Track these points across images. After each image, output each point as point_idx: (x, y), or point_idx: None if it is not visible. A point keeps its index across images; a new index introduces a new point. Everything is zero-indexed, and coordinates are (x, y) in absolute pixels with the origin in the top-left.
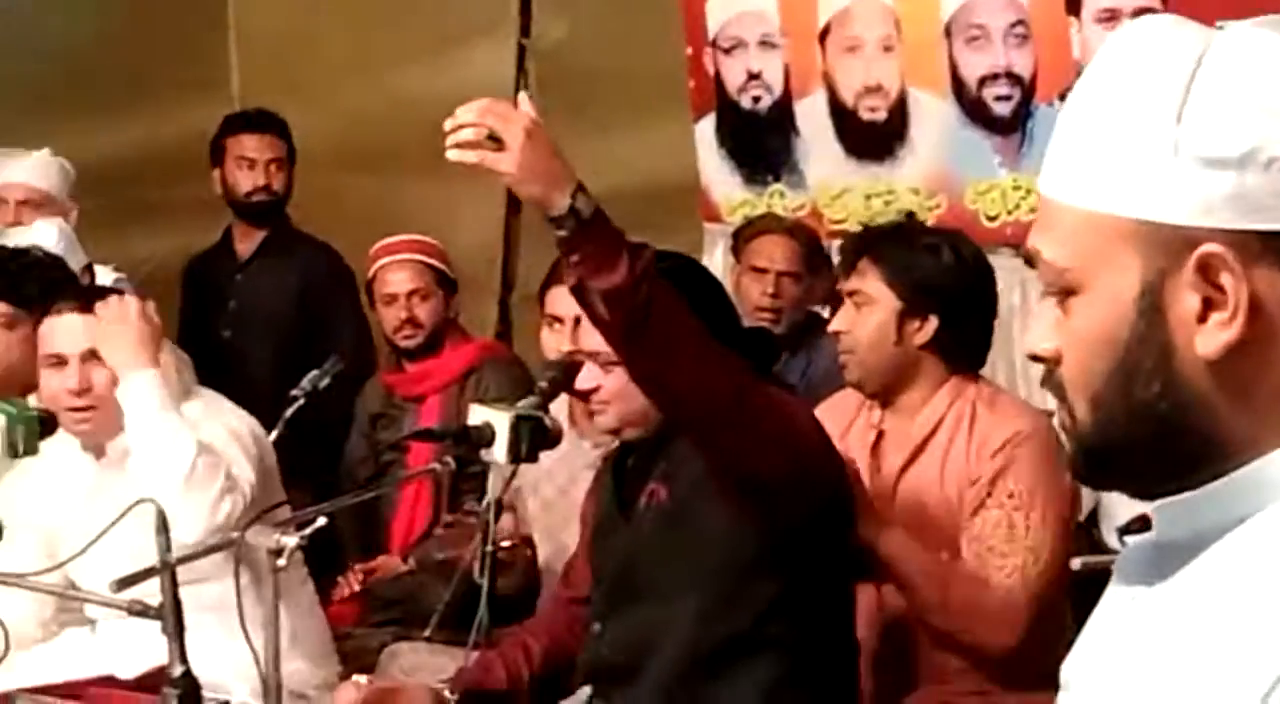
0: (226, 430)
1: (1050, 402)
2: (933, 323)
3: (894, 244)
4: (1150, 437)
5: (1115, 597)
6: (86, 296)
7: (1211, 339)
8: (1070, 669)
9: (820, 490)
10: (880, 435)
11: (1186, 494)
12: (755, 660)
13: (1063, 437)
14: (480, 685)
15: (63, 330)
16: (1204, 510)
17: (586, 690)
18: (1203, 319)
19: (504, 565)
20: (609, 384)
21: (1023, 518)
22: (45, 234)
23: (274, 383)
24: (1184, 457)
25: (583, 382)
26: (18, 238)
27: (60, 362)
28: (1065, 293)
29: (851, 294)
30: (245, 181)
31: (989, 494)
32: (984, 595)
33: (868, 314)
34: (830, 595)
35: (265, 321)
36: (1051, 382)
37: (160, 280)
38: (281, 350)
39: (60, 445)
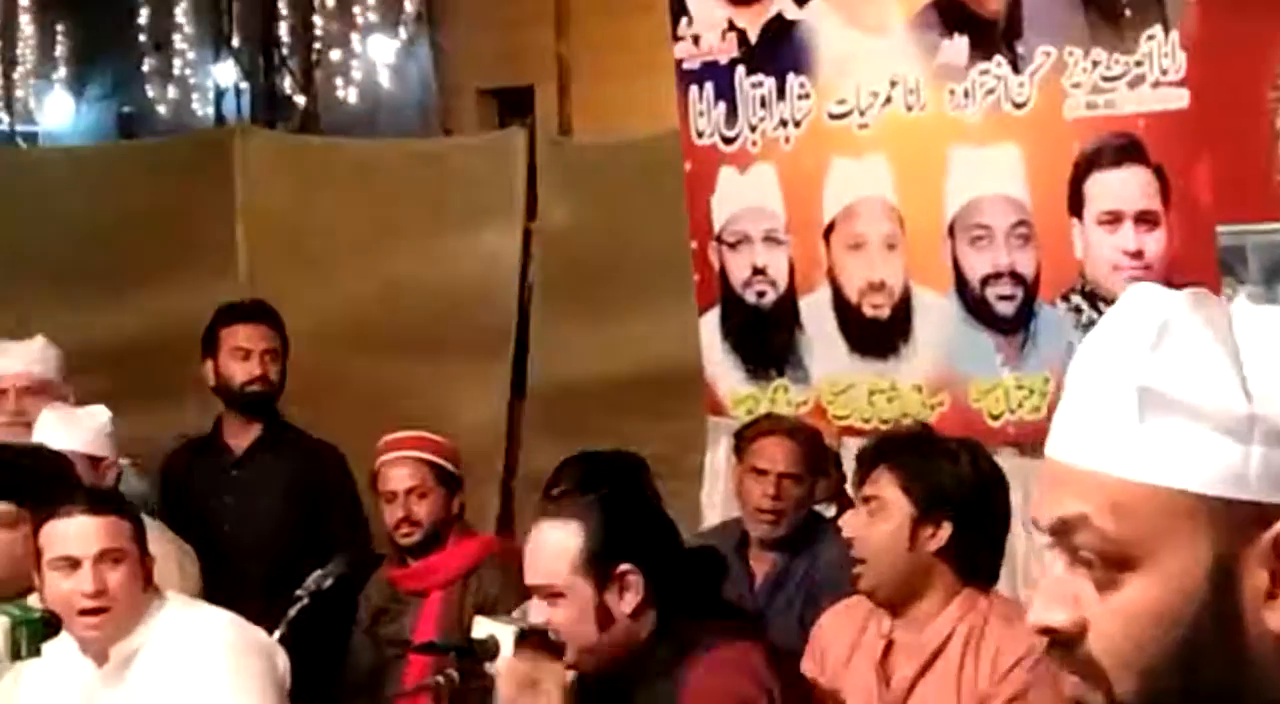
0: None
1: None
2: (946, 530)
3: (911, 450)
4: None
5: None
6: (95, 499)
7: None
8: None
9: None
10: (890, 645)
11: None
12: None
13: None
14: None
15: (74, 533)
16: None
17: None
18: (1272, 595)
19: None
20: (556, 618)
21: None
22: (97, 416)
23: (269, 580)
24: None
25: (534, 616)
26: (58, 422)
27: (73, 564)
28: (1112, 565)
29: (866, 500)
30: (240, 373)
31: None
32: None
33: (881, 520)
34: None
35: (262, 518)
36: (1068, 655)
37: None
38: (278, 548)
39: (60, 648)
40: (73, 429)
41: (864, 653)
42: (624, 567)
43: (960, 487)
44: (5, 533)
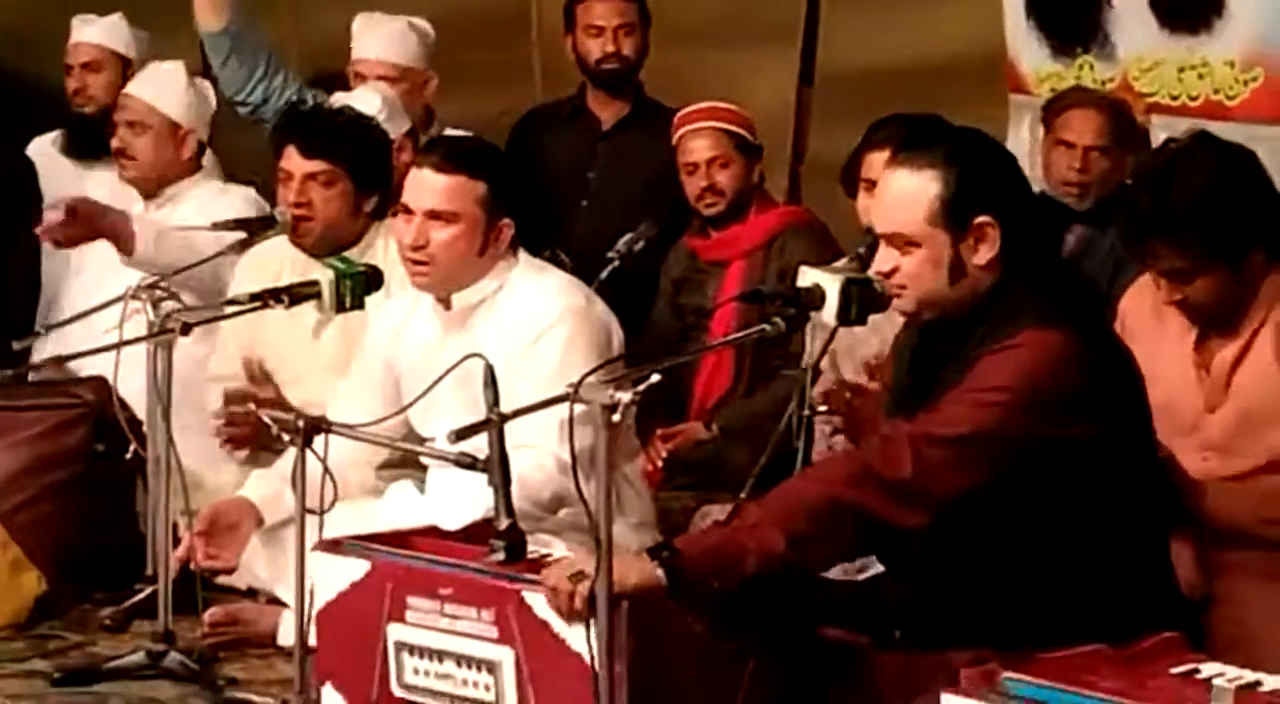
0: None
1: None
2: None
3: None
4: None
5: None
6: (449, 156)
7: None
8: None
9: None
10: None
11: None
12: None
13: None
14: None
15: (415, 184)
16: None
17: None
18: None
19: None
20: (906, 266)
21: None
22: (368, 101)
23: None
24: None
25: (879, 264)
26: (341, 101)
27: (409, 211)
28: None
29: None
30: (595, 49)
31: None
32: None
33: None
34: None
35: (623, 195)
36: None
37: None
38: (637, 220)
39: (417, 293)
40: None
41: (1174, 331)
42: (982, 218)
43: None
44: (324, 190)
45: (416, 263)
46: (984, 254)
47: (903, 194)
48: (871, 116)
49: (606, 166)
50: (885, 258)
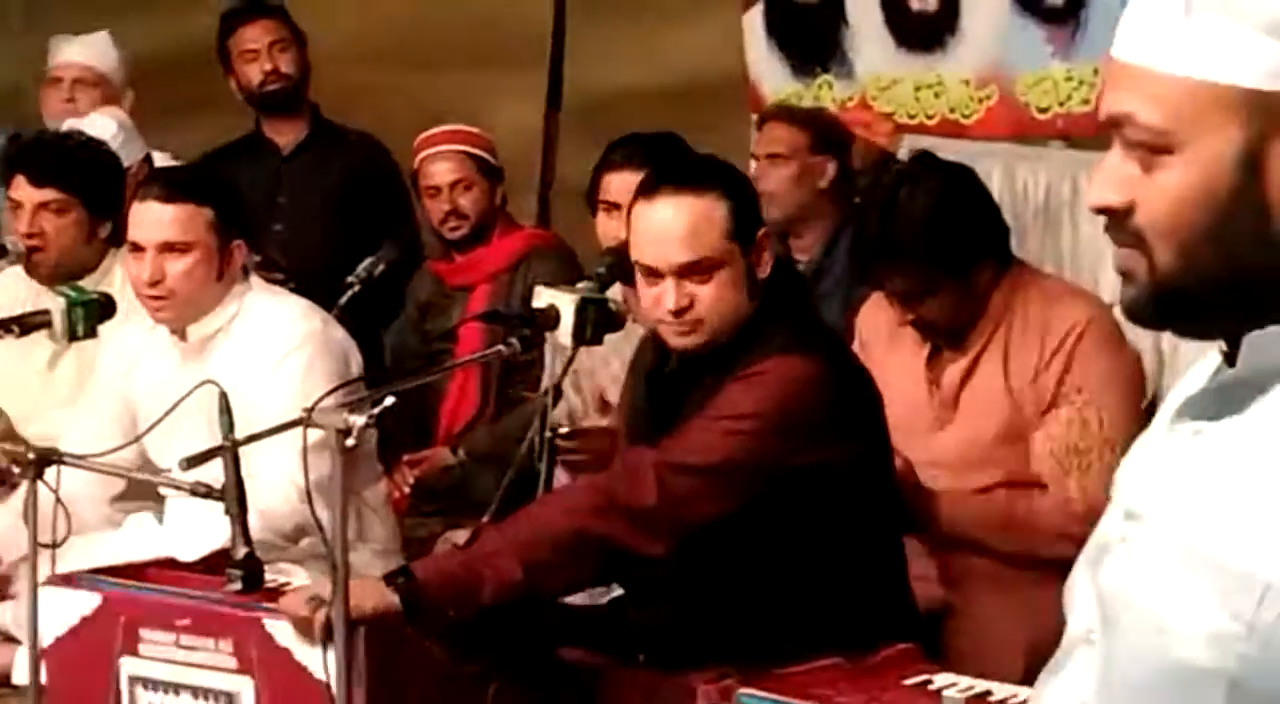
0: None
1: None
2: None
3: None
4: (1235, 283)
5: (1174, 431)
6: (171, 186)
7: None
8: (1135, 499)
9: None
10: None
11: (1272, 327)
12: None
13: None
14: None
15: (142, 219)
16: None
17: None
18: None
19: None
20: (706, 295)
21: (1092, 414)
22: (103, 125)
23: (328, 274)
24: (1263, 301)
25: (671, 303)
26: (76, 127)
27: (138, 249)
28: (1156, 151)
29: None
30: (254, 73)
31: (1058, 391)
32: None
33: None
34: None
35: (317, 214)
36: (1120, 229)
37: None
38: (334, 243)
39: (149, 324)
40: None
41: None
42: (763, 229)
43: None
44: (56, 219)
45: (155, 298)
46: (766, 265)
47: (694, 218)
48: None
49: (293, 189)
50: (679, 295)
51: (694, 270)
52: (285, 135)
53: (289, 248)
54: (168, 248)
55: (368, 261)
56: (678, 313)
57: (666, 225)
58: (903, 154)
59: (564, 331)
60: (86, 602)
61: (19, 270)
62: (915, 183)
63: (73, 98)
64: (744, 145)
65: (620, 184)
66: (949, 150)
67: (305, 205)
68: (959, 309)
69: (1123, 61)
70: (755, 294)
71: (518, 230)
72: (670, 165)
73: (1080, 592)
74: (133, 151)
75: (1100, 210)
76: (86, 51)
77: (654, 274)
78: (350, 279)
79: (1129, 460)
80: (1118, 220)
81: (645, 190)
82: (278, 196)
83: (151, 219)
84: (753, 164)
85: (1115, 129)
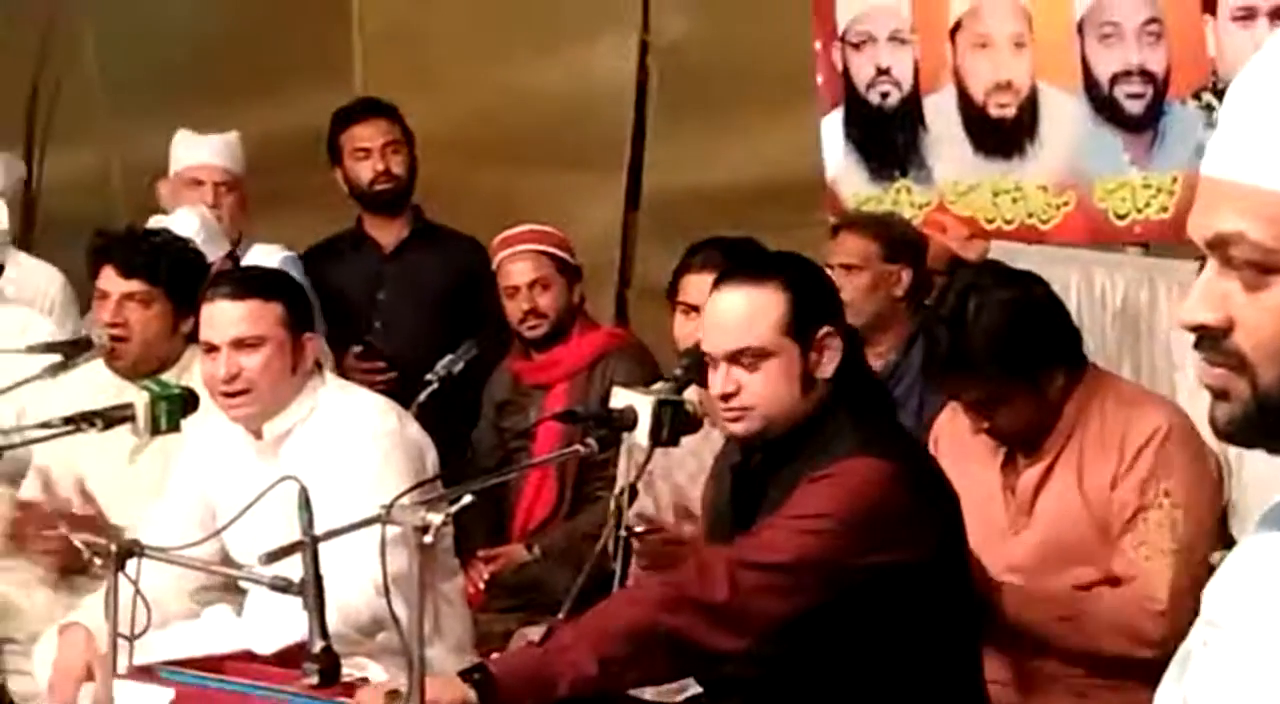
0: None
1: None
2: None
3: None
4: None
5: (1267, 543)
6: (238, 284)
7: None
8: (1219, 609)
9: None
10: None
11: None
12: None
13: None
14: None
15: (213, 318)
16: None
17: None
18: None
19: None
20: (753, 384)
21: (1180, 516)
22: (186, 222)
23: (426, 370)
24: None
25: (719, 386)
26: (158, 223)
27: (212, 349)
28: (1265, 270)
29: None
30: (365, 172)
31: (1143, 496)
32: (1132, 609)
33: None
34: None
35: (417, 312)
36: (1216, 349)
37: None
38: (433, 341)
39: (223, 423)
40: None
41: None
42: (826, 328)
43: None
44: (141, 310)
45: (232, 395)
46: (828, 365)
47: (749, 308)
48: (696, 239)
49: (395, 288)
50: (725, 380)
51: (741, 357)
52: (388, 233)
53: (389, 343)
54: (240, 344)
55: (447, 359)
56: (725, 397)
57: (723, 313)
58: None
59: (641, 432)
60: (160, 696)
61: (100, 364)
62: (983, 294)
63: (217, 203)
64: (822, 245)
65: (698, 286)
66: (1028, 255)
67: (406, 303)
68: (1033, 417)
69: (1224, 179)
70: (809, 389)
71: (595, 330)
72: (736, 259)
73: (1166, 698)
74: (215, 248)
75: (1195, 329)
76: (227, 152)
77: (712, 360)
78: (429, 376)
79: (1220, 570)
80: (1214, 340)
81: (715, 283)
82: (379, 293)
83: (222, 317)
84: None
85: (1216, 248)
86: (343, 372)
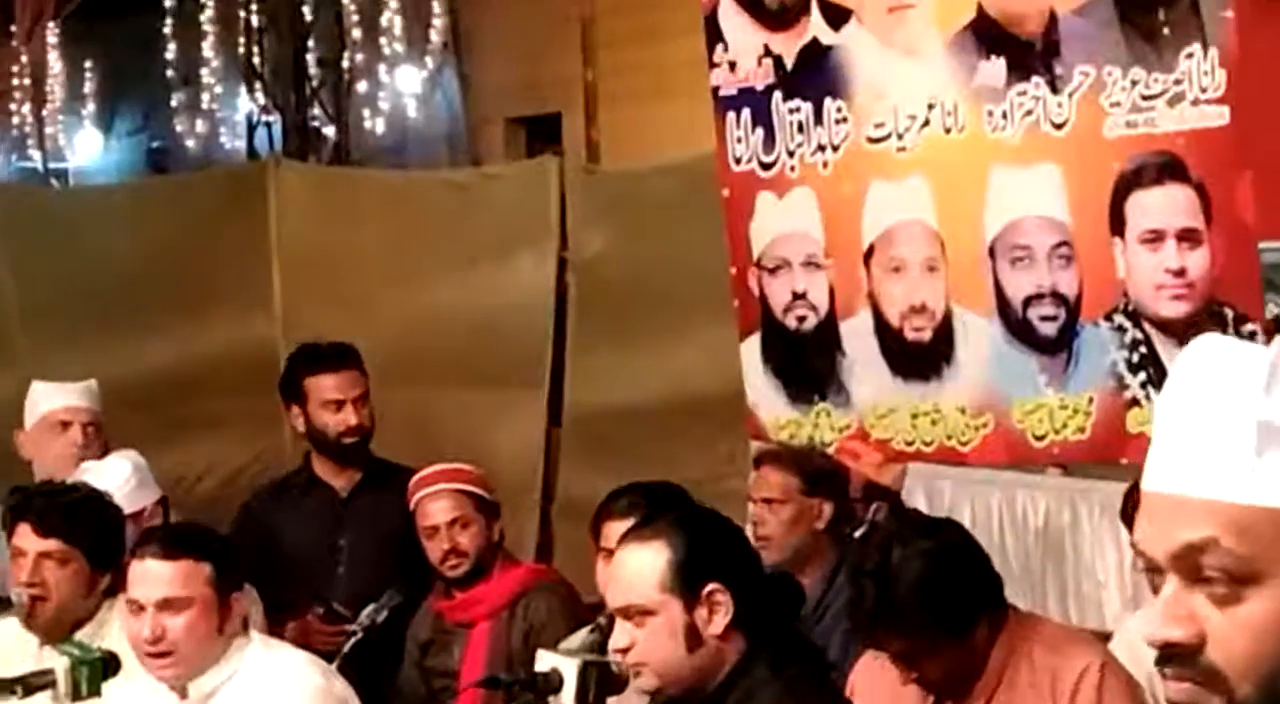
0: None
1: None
2: None
3: None
4: None
5: None
6: (168, 544)
7: None
8: None
9: None
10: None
11: None
12: None
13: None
14: None
15: (140, 577)
16: None
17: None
18: None
19: None
20: (642, 640)
21: None
22: (118, 469)
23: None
24: None
25: (615, 641)
26: (89, 474)
27: (139, 608)
28: (1239, 582)
29: None
30: (334, 423)
31: None
32: None
33: None
34: None
35: (381, 557)
36: (1187, 665)
37: (208, 491)
38: (382, 585)
39: (148, 680)
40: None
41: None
42: (712, 586)
43: None
44: (58, 569)
45: (157, 655)
46: (718, 623)
47: (635, 565)
48: (619, 454)
49: (355, 533)
50: (621, 635)
51: (629, 613)
52: (342, 478)
53: (354, 590)
54: (166, 605)
55: (370, 608)
56: (621, 652)
57: (615, 567)
58: (907, 483)
59: (567, 695)
60: None
61: (15, 624)
62: (906, 546)
63: (87, 444)
64: (742, 462)
65: (618, 532)
66: (950, 477)
67: (369, 547)
68: (959, 665)
69: (1182, 495)
70: (696, 646)
71: (517, 567)
72: (655, 505)
73: None
74: (149, 493)
75: (1165, 647)
76: (90, 396)
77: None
78: (352, 627)
79: None
80: (1184, 656)
81: (620, 538)
82: (340, 539)
83: (150, 577)
84: (750, 507)
85: (1183, 560)
86: (303, 632)
